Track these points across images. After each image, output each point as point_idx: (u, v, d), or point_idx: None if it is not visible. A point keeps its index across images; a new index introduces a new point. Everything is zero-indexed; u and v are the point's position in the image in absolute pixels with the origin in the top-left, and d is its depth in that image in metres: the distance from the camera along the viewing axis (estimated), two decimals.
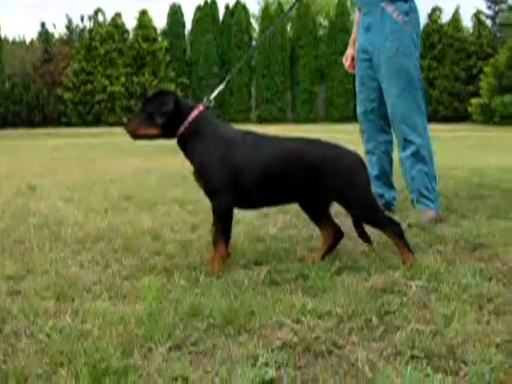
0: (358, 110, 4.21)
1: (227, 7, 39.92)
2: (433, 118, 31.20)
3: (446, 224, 3.72)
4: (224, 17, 39.81)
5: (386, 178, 4.14)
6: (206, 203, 4.61)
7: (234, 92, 38.13)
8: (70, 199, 5.04)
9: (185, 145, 2.79)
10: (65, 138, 20.59)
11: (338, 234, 2.93)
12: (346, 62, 4.33)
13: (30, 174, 7.17)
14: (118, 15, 34.97)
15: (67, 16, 39.16)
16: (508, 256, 2.89)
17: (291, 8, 3.72)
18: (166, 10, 38.81)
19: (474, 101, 29.81)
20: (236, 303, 2.20)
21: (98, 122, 34.47)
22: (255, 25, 45.34)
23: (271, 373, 1.64)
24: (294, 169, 2.71)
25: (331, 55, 37.47)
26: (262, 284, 2.51)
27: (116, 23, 34.76)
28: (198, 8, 38.94)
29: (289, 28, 41.41)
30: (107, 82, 33.47)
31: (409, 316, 2.09)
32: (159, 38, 35.88)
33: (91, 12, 36.92)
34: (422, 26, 4.10)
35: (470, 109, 30.35)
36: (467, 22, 40.58)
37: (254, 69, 39.35)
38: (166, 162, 8.76)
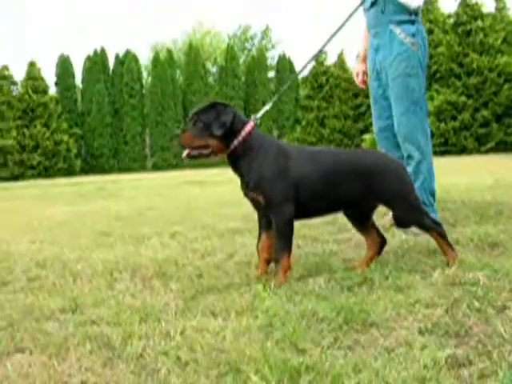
0: (374, 128, 4.38)
1: (117, 56, 39.70)
2: None
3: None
4: (114, 66, 39.52)
5: None
6: (195, 234, 4.62)
7: (127, 141, 37.65)
8: (43, 241, 4.77)
9: (238, 159, 2.78)
10: None
11: (382, 241, 3.02)
12: (357, 77, 4.51)
13: None
14: (5, 67, 33.86)
15: None
16: None
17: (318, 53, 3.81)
18: (54, 61, 37.64)
19: (367, 136, 30.80)
20: (334, 305, 2.22)
21: None
22: (145, 73, 45.37)
23: (448, 350, 1.68)
24: (350, 177, 2.79)
25: (222, 100, 37.82)
26: (338, 290, 2.53)
27: (4, 75, 33.63)
28: (88, 57, 38.46)
29: (178, 75, 41.72)
30: None
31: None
32: (50, 89, 35.02)
33: None
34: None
35: (364, 144, 31.41)
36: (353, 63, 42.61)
37: (147, 116, 39.12)
38: (97, 206, 8.54)
